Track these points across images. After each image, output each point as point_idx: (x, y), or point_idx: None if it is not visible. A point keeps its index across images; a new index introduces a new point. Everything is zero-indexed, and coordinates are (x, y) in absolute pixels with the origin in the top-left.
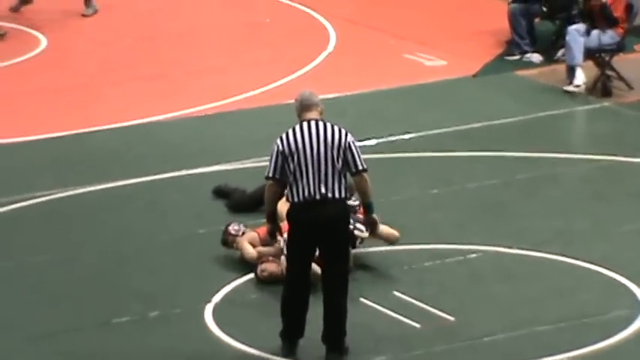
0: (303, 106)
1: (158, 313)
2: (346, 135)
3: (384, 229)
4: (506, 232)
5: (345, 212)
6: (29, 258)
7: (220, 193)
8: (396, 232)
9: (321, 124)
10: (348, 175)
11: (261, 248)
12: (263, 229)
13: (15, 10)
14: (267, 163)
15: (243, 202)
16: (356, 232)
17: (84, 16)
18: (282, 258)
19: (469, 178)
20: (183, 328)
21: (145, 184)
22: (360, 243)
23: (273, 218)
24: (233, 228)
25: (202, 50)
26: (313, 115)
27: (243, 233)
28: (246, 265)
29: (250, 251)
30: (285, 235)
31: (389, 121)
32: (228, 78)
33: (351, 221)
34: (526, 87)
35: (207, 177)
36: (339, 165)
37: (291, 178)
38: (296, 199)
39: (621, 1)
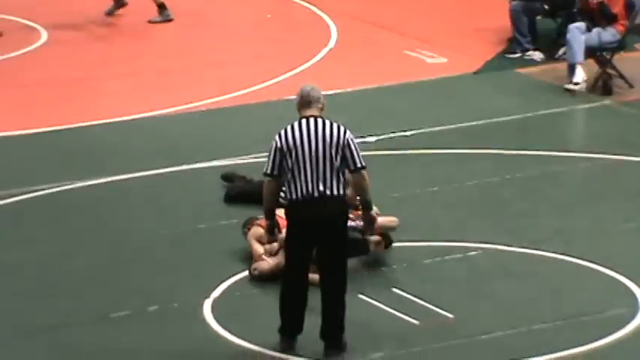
0: (303, 103)
1: (157, 307)
2: (345, 132)
3: (381, 220)
4: (506, 230)
5: (343, 209)
6: (27, 252)
7: (227, 178)
8: (394, 218)
9: (319, 121)
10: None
11: (268, 246)
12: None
13: (110, 13)
14: (266, 160)
15: (233, 196)
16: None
17: (151, 22)
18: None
19: (469, 176)
20: (181, 323)
21: (145, 178)
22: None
23: (271, 215)
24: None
25: (203, 45)
26: (313, 111)
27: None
28: (246, 260)
29: (256, 247)
30: (284, 232)
31: (389, 117)
32: (229, 73)
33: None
34: (527, 85)
35: (207, 172)
36: (337, 162)
37: (289, 175)
38: (294, 197)
39: None
